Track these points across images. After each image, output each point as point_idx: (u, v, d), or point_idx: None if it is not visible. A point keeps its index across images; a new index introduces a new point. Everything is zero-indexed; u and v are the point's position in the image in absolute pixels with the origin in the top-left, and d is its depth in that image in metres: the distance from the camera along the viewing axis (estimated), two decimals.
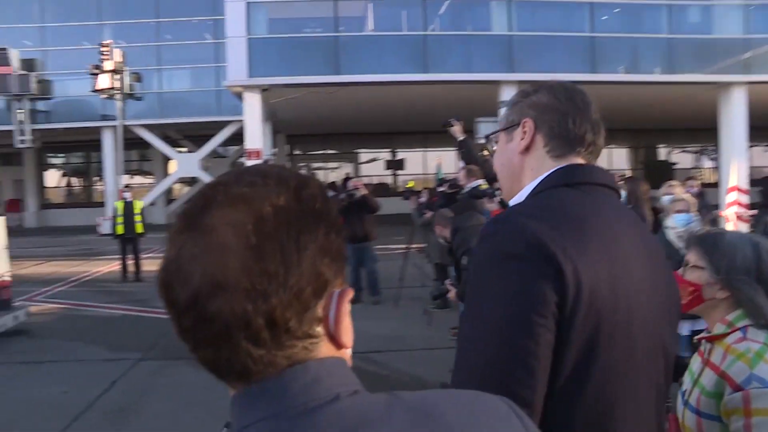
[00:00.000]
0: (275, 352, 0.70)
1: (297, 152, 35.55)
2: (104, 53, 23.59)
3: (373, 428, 0.69)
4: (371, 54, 19.14)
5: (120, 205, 13.43)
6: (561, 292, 1.11)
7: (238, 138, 22.60)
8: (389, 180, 34.94)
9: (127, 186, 14.54)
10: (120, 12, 26.36)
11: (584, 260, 1.14)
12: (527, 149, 1.39)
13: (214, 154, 31.08)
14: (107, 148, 26.48)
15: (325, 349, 0.74)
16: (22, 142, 25.99)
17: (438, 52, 19.14)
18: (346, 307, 0.75)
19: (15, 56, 25.29)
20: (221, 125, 25.85)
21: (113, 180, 25.53)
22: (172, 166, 29.76)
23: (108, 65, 23.66)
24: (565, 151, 1.35)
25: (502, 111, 1.48)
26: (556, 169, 1.34)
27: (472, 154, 6.04)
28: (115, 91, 24.26)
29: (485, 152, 8.54)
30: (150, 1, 26.31)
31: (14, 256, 18.68)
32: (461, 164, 6.79)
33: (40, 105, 26.91)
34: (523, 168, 1.39)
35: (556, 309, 1.11)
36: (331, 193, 14.13)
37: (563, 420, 1.15)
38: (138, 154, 33.47)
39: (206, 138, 26.96)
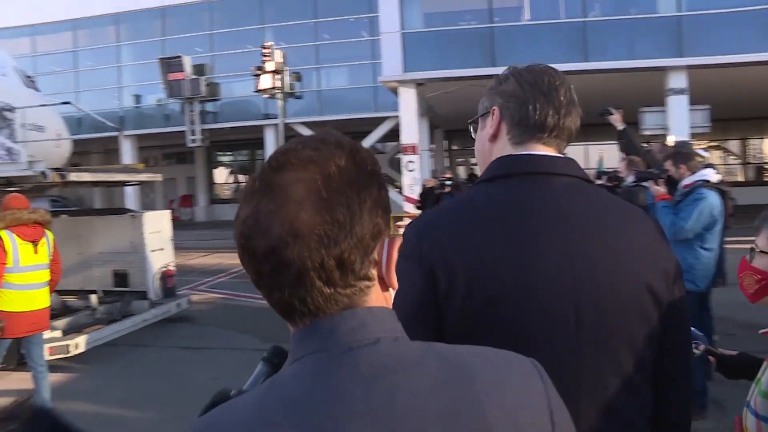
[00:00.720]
0: (341, 290, 0.83)
1: (455, 147, 35.59)
2: (266, 55, 24.91)
3: (405, 371, 0.81)
4: (528, 44, 18.76)
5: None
6: (432, 288, 1.30)
7: (395, 134, 22.99)
8: None
9: None
10: (281, 15, 27.91)
11: (462, 258, 1.30)
12: (494, 136, 1.49)
13: (373, 151, 31.76)
14: (269, 146, 27.99)
15: (374, 296, 0.87)
16: (194, 141, 28.24)
17: (599, 39, 18.36)
18: (395, 253, 0.88)
19: (187, 62, 27.55)
20: (378, 121, 26.44)
21: None
22: None
23: (269, 66, 24.96)
24: (525, 138, 1.44)
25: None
26: (494, 161, 1.46)
27: (633, 145, 5.75)
28: (277, 91, 25.56)
29: (648, 143, 8.06)
30: (308, 2, 27.53)
31: (184, 248, 20.46)
32: (621, 155, 6.48)
33: (209, 106, 29.10)
34: (492, 155, 1.49)
35: (430, 302, 1.30)
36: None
37: None
38: None
39: (364, 134, 27.68)
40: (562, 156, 1.45)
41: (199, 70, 28.29)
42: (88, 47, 31.47)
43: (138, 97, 31.44)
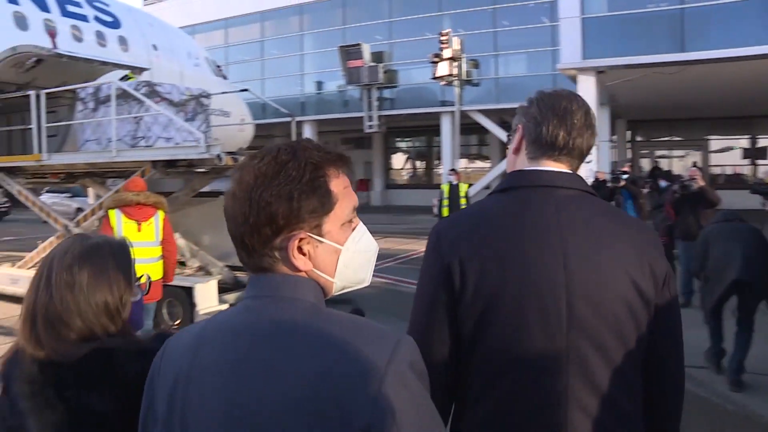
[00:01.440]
0: (249, 260, 1.22)
1: (639, 139, 34.05)
2: (443, 42, 25.27)
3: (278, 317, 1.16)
4: (724, 25, 17.58)
5: (446, 187, 14.45)
6: (448, 281, 1.63)
7: None
8: (747, 171, 31.35)
9: (452, 170, 15.45)
10: (459, 2, 28.50)
11: (473, 256, 1.61)
12: (517, 150, 1.79)
13: None
14: (446, 133, 28.50)
15: (282, 269, 1.20)
16: (371, 127, 29.47)
17: None
18: (294, 246, 1.18)
19: (366, 50, 28.76)
20: None
21: (450, 163, 27.31)
22: None
23: (447, 53, 25.34)
24: (538, 155, 1.72)
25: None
26: (508, 174, 1.79)
27: None
28: (454, 78, 25.88)
29: None
30: None
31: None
32: None
33: (387, 93, 30.23)
34: (513, 166, 1.79)
35: (447, 292, 1.63)
36: (663, 184, 13.59)
37: (472, 369, 1.64)
38: (477, 138, 35.21)
39: None
40: (567, 172, 1.71)
41: (377, 57, 29.44)
42: (274, 37, 33.93)
43: (319, 84, 33.42)
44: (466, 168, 34.77)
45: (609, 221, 1.68)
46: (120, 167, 10.37)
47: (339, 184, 1.23)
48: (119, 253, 1.67)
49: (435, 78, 26.51)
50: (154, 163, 9.42)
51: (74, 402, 1.48)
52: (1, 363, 1.60)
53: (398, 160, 40.00)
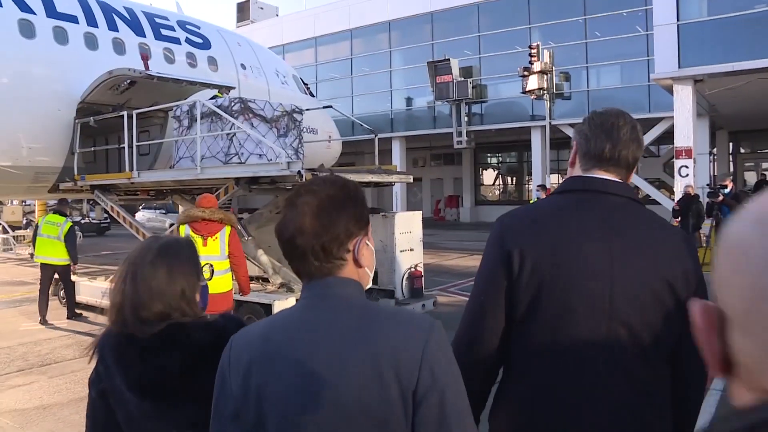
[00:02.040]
0: (325, 264, 1.48)
1: (743, 151, 32.36)
2: (533, 55, 24.96)
3: (335, 315, 1.46)
4: None
5: (532, 204, 14.05)
6: (508, 266, 1.85)
7: (671, 135, 21.59)
8: None
9: (541, 185, 15.09)
10: (548, 14, 27.89)
11: (532, 245, 1.84)
12: (573, 163, 2.02)
13: (647, 153, 30.27)
14: (536, 148, 28.00)
15: (347, 270, 1.51)
16: (460, 143, 29.24)
17: None
18: (365, 246, 1.53)
19: (455, 65, 28.70)
20: (653, 122, 25.08)
21: (540, 179, 26.78)
22: None
23: (536, 66, 25.01)
24: (589, 166, 1.95)
25: None
26: (565, 179, 2.03)
27: None
28: (544, 91, 25.44)
29: None
30: (576, 1, 26.77)
31: (445, 248, 21.37)
32: None
33: (476, 108, 29.91)
34: (571, 175, 2.03)
35: (506, 276, 1.86)
36: None
37: (520, 345, 1.88)
38: (568, 153, 34.31)
39: None
40: (616, 180, 1.92)
41: (466, 72, 29.33)
42: (363, 54, 34.31)
43: (408, 100, 33.54)
44: (557, 183, 34.04)
45: (651, 228, 1.90)
46: (205, 184, 10.66)
47: None
48: (187, 248, 2.09)
49: (525, 92, 26.22)
50: (237, 180, 9.62)
51: (151, 363, 1.86)
52: (98, 338, 2.00)
53: (488, 176, 39.58)
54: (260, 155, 10.10)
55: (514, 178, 38.37)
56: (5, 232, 21.71)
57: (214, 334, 1.87)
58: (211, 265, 6.83)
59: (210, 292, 6.70)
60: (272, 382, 1.43)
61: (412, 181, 12.17)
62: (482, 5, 29.44)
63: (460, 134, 29.43)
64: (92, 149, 12.35)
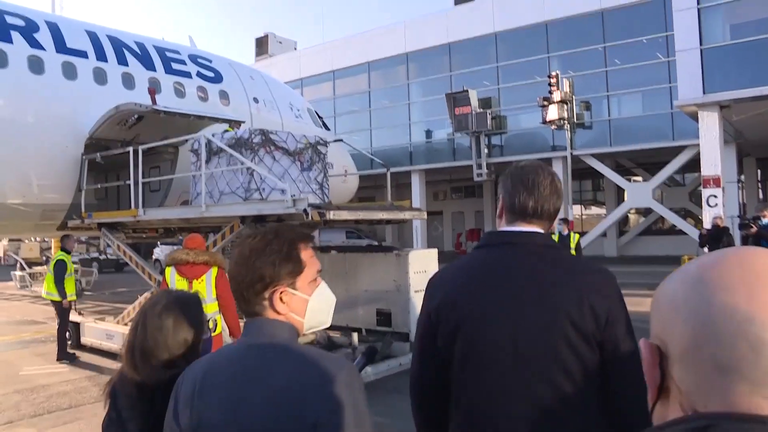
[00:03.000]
0: (247, 308, 1.70)
1: None
2: (552, 85, 24.58)
3: (246, 356, 1.64)
4: None
5: (555, 238, 13.46)
6: (430, 316, 2.06)
7: (696, 164, 20.97)
8: None
9: (563, 219, 14.48)
10: (567, 42, 27.51)
11: (456, 297, 2.01)
12: (500, 216, 2.14)
13: (671, 182, 29.57)
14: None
15: (270, 313, 1.68)
16: (479, 175, 28.69)
17: None
18: (278, 296, 1.67)
19: (474, 96, 28.36)
20: (677, 151, 24.52)
21: (563, 211, 26.09)
22: (626, 196, 29.04)
23: (556, 96, 24.64)
24: (514, 219, 2.07)
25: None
26: (483, 234, 2.39)
27: None
28: (564, 122, 24.98)
29: None
30: (596, 27, 26.63)
31: None
32: None
33: (495, 140, 29.44)
34: (499, 228, 2.14)
35: (430, 325, 2.05)
36: None
37: (451, 389, 2.06)
38: (591, 183, 33.82)
39: (660, 165, 25.94)
40: (531, 231, 2.03)
41: (485, 103, 28.97)
42: (381, 87, 34.11)
43: (426, 133, 33.17)
44: (580, 215, 33.37)
45: (559, 269, 1.99)
46: (212, 222, 10.27)
47: (307, 255, 1.75)
48: (194, 304, 2.30)
49: (545, 122, 25.79)
50: (243, 219, 9.21)
51: (160, 412, 1.86)
52: (110, 383, 2.23)
53: None
54: (282, 191, 9.37)
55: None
56: (22, 269, 21.48)
57: None
58: (215, 320, 6.60)
59: None
60: (205, 414, 1.62)
61: (425, 217, 11.61)
62: (500, 35, 29.16)
63: (480, 166, 28.94)
64: (98, 186, 12.03)
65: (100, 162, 11.61)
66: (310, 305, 1.73)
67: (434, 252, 10.41)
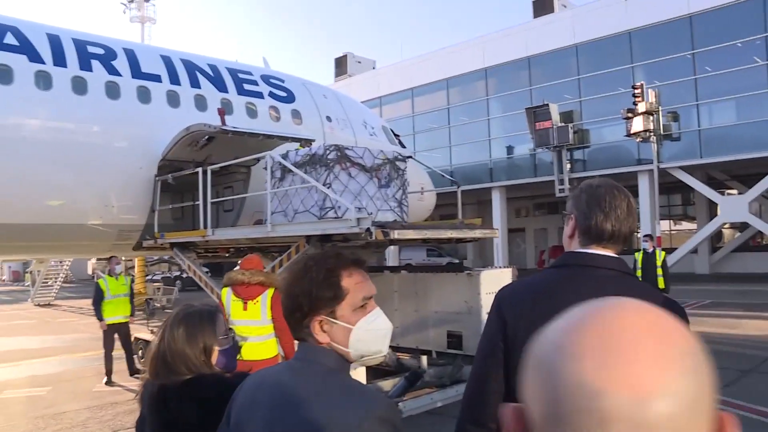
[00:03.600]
0: (294, 334, 1.74)
1: None
2: (637, 95, 23.65)
3: (284, 384, 1.70)
4: None
5: (639, 256, 12.73)
6: (504, 332, 1.98)
7: None
8: None
9: (647, 235, 13.64)
10: (652, 51, 26.27)
11: (525, 314, 1.93)
12: (571, 236, 2.07)
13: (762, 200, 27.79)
14: (643, 194, 26.20)
15: (313, 341, 1.69)
16: (562, 191, 27.81)
17: None
18: (317, 326, 1.68)
19: (554, 110, 27.58)
20: None
21: (650, 226, 24.94)
22: (719, 210, 27.43)
23: (641, 107, 23.71)
24: (588, 242, 2.00)
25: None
26: (561, 255, 2.13)
27: None
28: (650, 133, 23.95)
29: None
30: (684, 33, 25.27)
31: None
32: None
33: (578, 154, 28.44)
34: (570, 247, 2.08)
35: (502, 341, 1.98)
36: None
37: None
38: (681, 198, 32.30)
39: (757, 177, 24.26)
40: (608, 255, 1.98)
41: (566, 117, 28.10)
42: (460, 103, 33.62)
43: (507, 149, 32.39)
44: (669, 231, 31.84)
45: (633, 295, 1.58)
46: (281, 242, 10.12)
47: (351, 281, 1.72)
48: (207, 315, 2.42)
49: (629, 135, 24.79)
50: (308, 238, 8.99)
51: (174, 411, 2.19)
52: (141, 387, 2.39)
53: None
54: (359, 209, 9.14)
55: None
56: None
57: (221, 389, 2.07)
58: (234, 332, 6.34)
59: (250, 358, 6.19)
60: (249, 428, 1.69)
61: (497, 236, 11.05)
62: (581, 47, 28.26)
63: (561, 182, 28.03)
64: (171, 206, 12.12)
65: (172, 183, 11.72)
66: (354, 335, 1.70)
67: (508, 271, 9.90)
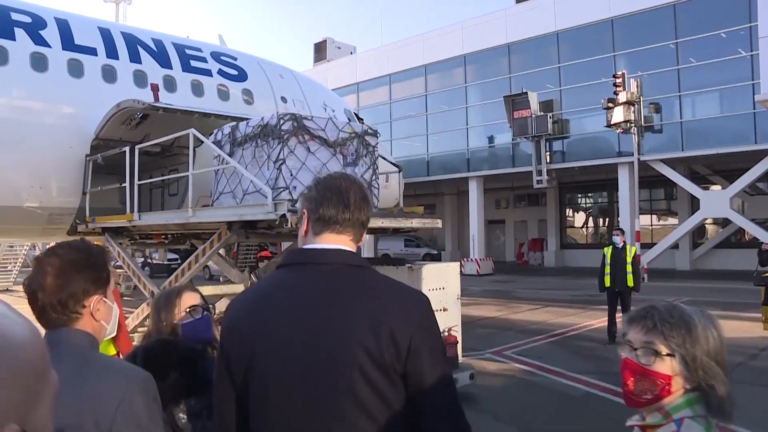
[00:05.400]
0: (61, 316, 1.73)
1: None
2: (618, 85, 22.84)
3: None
4: None
5: (608, 251, 11.90)
6: (227, 342, 1.87)
7: None
8: None
9: (618, 229, 12.83)
10: (635, 40, 25.33)
11: (237, 323, 1.86)
12: (306, 232, 1.96)
13: (754, 190, 27.14)
14: (623, 186, 25.45)
15: (81, 323, 1.75)
16: (540, 182, 27.05)
17: None
18: (101, 303, 1.79)
19: (533, 99, 26.79)
20: (759, 156, 22.22)
21: (629, 221, 24.21)
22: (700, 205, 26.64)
23: (622, 97, 22.89)
24: (321, 229, 1.90)
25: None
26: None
27: None
28: (631, 125, 23.17)
29: None
30: (668, 22, 24.38)
31: (518, 298, 19.23)
32: None
33: (557, 145, 27.65)
34: (302, 244, 1.98)
35: (225, 359, 1.86)
36: None
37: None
38: (663, 192, 31.61)
39: (738, 173, 23.53)
40: (338, 248, 1.88)
41: (546, 106, 27.26)
42: (438, 90, 32.64)
43: (485, 138, 31.43)
44: (650, 226, 31.14)
45: (357, 292, 1.80)
46: (207, 228, 9.24)
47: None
48: (165, 294, 2.92)
49: (610, 125, 23.96)
50: (230, 225, 8.11)
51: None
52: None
53: (577, 217, 36.82)
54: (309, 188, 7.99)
55: (607, 220, 35.23)
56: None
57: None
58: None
59: None
60: None
61: (440, 226, 10.02)
62: (562, 34, 27.27)
63: (540, 173, 27.19)
64: (99, 189, 11.17)
65: (101, 163, 10.79)
66: (115, 312, 1.92)
67: (455, 266, 9.03)
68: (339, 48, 38.11)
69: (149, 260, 28.43)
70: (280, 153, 7.84)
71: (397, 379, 1.66)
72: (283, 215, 6.89)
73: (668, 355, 1.71)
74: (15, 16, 11.22)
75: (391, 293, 1.80)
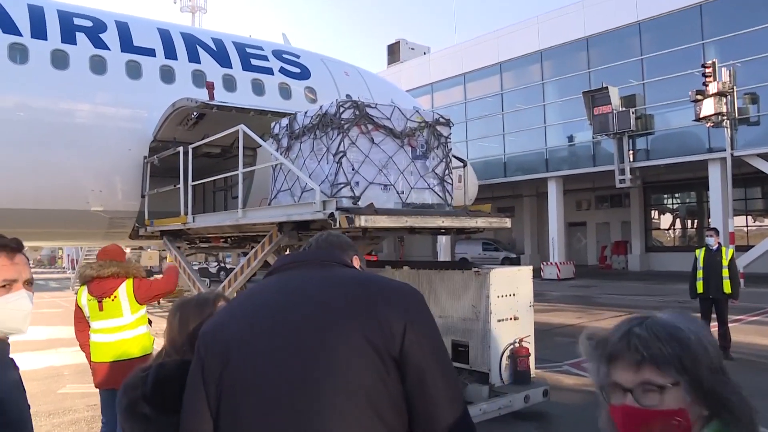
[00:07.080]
0: None
1: None
2: (708, 75, 21.26)
3: None
4: None
5: (700, 253, 10.73)
6: (199, 368, 1.76)
7: None
8: None
9: (712, 229, 11.64)
10: (726, 25, 23.56)
11: (210, 346, 1.75)
12: None
13: None
14: (714, 184, 23.73)
15: None
16: (622, 181, 25.66)
17: None
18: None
19: (614, 94, 25.45)
20: None
21: (721, 221, 22.53)
22: None
23: (712, 88, 21.25)
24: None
25: None
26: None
27: None
28: (723, 117, 21.53)
29: None
30: (763, 4, 22.36)
31: (601, 304, 17.96)
32: None
33: (641, 142, 26.12)
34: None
35: (201, 379, 1.75)
36: None
37: None
38: (761, 190, 29.56)
39: None
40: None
41: (628, 101, 25.79)
42: (514, 88, 31.51)
43: (564, 137, 30.09)
44: (745, 227, 29.08)
45: (354, 286, 1.77)
46: (261, 230, 8.71)
47: None
48: (196, 302, 2.55)
49: (698, 119, 22.34)
50: (281, 225, 7.53)
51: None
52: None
53: (662, 219, 34.83)
54: (385, 186, 7.14)
55: (695, 221, 33.18)
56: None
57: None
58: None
59: (116, 358, 5.33)
60: None
61: (509, 225, 9.02)
62: (644, 24, 25.73)
63: (622, 172, 25.71)
64: (156, 191, 10.84)
65: (157, 165, 10.51)
66: None
67: (527, 270, 8.12)
68: (412, 49, 37.57)
69: (222, 264, 28.52)
70: (340, 145, 7.00)
71: (390, 362, 1.61)
72: (331, 214, 6.21)
73: (673, 384, 1.44)
74: (77, 21, 11.26)
75: (381, 285, 1.79)
